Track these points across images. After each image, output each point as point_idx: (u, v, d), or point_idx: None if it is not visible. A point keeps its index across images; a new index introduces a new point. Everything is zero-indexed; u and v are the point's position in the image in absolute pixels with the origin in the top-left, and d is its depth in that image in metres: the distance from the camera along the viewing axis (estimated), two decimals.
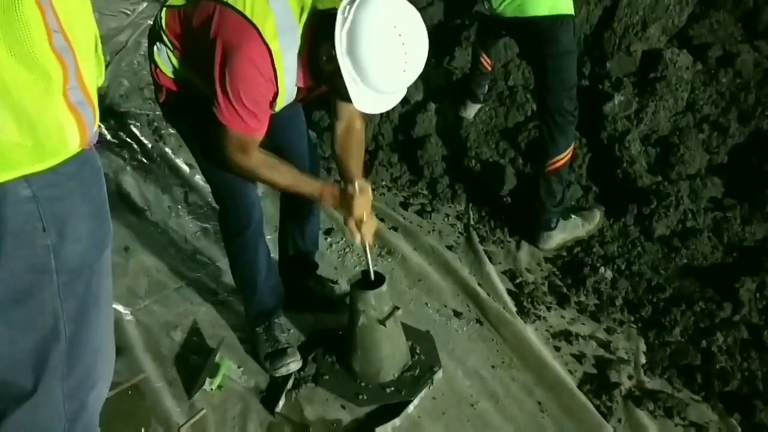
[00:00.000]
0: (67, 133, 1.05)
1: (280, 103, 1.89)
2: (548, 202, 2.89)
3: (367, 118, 2.09)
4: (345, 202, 2.00)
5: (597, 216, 3.01)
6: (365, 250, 2.14)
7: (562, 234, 2.96)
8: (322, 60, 1.80)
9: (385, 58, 1.71)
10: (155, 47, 1.98)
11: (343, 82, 1.74)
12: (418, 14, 1.75)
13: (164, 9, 1.94)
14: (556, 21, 2.67)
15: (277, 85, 1.80)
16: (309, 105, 3.58)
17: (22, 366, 1.14)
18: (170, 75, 1.98)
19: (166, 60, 1.96)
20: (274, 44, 1.73)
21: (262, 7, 1.73)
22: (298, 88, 1.90)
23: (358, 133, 2.16)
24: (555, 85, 2.75)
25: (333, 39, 1.70)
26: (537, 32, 2.73)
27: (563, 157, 2.81)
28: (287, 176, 1.97)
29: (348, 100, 1.80)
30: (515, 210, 3.21)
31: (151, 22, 2.05)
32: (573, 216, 3.00)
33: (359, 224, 2.03)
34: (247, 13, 1.72)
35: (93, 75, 1.10)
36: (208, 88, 1.86)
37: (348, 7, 1.70)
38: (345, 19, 1.69)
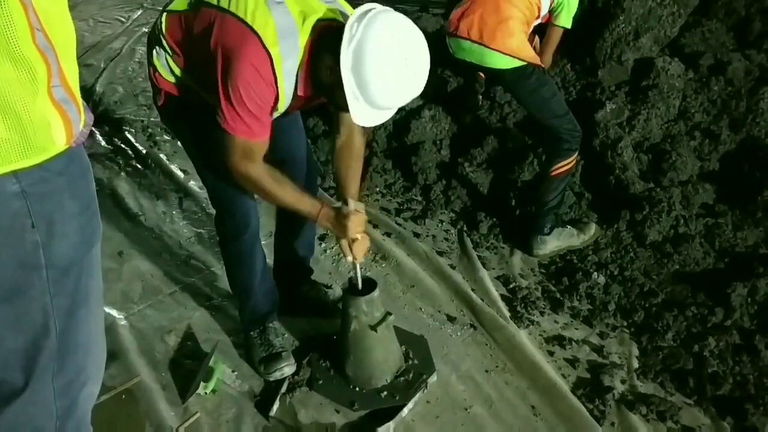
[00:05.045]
0: (54, 129, 1.05)
1: (280, 110, 1.90)
2: (547, 199, 2.91)
3: (366, 130, 2.10)
4: (338, 223, 2.01)
5: (593, 228, 3.03)
6: (355, 269, 2.16)
7: (557, 241, 2.98)
8: (324, 71, 1.81)
9: (390, 79, 1.73)
10: (154, 51, 1.98)
11: (343, 95, 1.75)
12: (422, 36, 1.77)
13: (165, 14, 1.95)
14: (514, 72, 2.71)
15: (277, 90, 1.81)
16: (305, 112, 3.60)
17: (12, 364, 1.14)
18: (169, 79, 1.99)
19: (165, 64, 1.97)
20: (275, 50, 1.74)
21: (262, 14, 1.74)
22: (296, 96, 1.90)
23: (358, 148, 2.17)
24: (542, 116, 2.83)
25: (335, 52, 1.71)
26: (502, 81, 2.87)
27: (568, 163, 2.86)
28: (289, 193, 1.97)
29: (344, 110, 1.81)
30: (509, 216, 3.23)
31: (146, 30, 2.06)
32: (568, 226, 3.03)
33: (351, 244, 2.06)
34: (248, 20, 1.74)
35: (75, 76, 1.11)
36: (208, 94, 1.87)
37: (356, 24, 1.71)
38: (352, 37, 1.70)
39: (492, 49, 2.67)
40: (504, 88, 3.06)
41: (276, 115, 1.93)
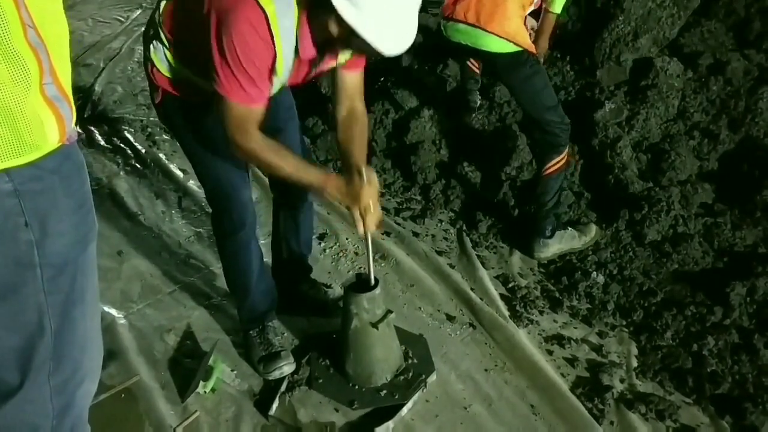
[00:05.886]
0: (46, 127, 1.05)
1: (279, 74, 1.84)
2: (545, 199, 2.89)
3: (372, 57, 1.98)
4: (349, 192, 1.94)
5: (593, 230, 3.02)
6: (367, 241, 2.09)
7: (559, 244, 2.96)
8: (325, 25, 1.75)
9: None
10: (151, 46, 1.96)
11: (352, 40, 1.70)
12: None
13: (162, 3, 1.92)
14: (510, 57, 2.69)
15: (275, 49, 1.76)
16: (303, 111, 3.63)
17: (8, 362, 1.14)
18: (167, 74, 1.97)
19: (163, 58, 1.95)
20: (270, 8, 1.70)
21: None
22: (298, 61, 1.85)
23: (361, 117, 2.11)
24: (532, 107, 2.79)
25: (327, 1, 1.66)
26: (493, 64, 2.82)
27: (559, 161, 2.83)
28: (291, 162, 1.90)
29: (364, 51, 1.77)
30: (508, 216, 3.23)
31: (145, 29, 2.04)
32: (569, 228, 3.02)
33: (364, 213, 1.97)
34: None
35: (67, 74, 1.11)
36: (206, 81, 1.83)
37: None
38: None
39: (488, 32, 2.65)
40: (497, 74, 3.01)
41: (277, 84, 1.87)
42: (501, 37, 2.64)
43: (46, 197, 1.08)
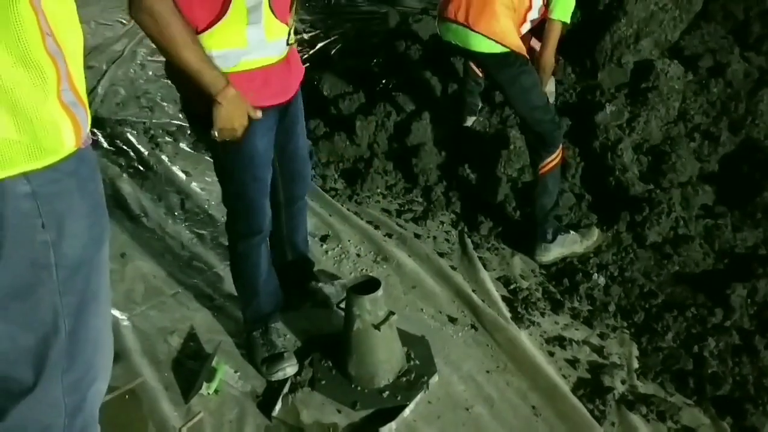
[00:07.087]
0: (63, 131, 1.07)
1: None
2: (543, 201, 2.89)
3: None
4: (238, 112, 1.82)
5: (595, 234, 3.02)
6: None
7: (561, 248, 2.96)
8: None
9: None
10: None
11: None
12: None
13: None
14: (497, 58, 2.69)
15: None
16: (305, 113, 3.64)
17: (23, 361, 1.15)
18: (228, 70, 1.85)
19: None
20: None
21: None
22: None
23: None
24: (519, 105, 2.79)
25: None
26: (483, 64, 2.85)
27: (553, 160, 2.82)
28: (198, 52, 1.72)
29: None
30: (509, 217, 3.24)
31: None
32: (571, 232, 3.01)
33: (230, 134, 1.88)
34: None
35: (82, 79, 1.13)
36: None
37: None
38: None
39: (476, 31, 2.66)
40: (486, 74, 3.04)
41: None
42: (488, 37, 2.64)
43: (63, 199, 1.10)
